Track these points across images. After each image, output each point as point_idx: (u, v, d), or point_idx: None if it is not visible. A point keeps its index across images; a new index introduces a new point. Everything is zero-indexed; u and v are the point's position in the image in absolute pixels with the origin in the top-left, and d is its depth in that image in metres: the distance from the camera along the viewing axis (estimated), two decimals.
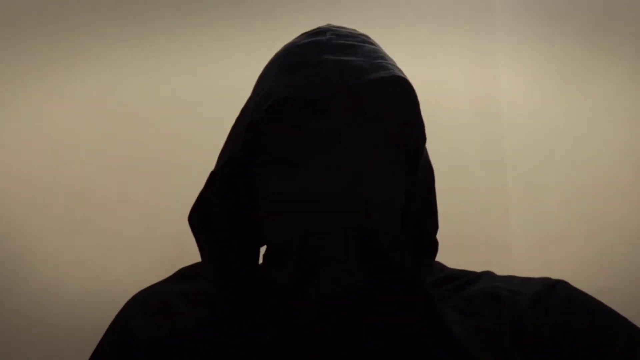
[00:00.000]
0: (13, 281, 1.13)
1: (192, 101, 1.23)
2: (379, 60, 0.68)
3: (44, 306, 1.12)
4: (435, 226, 0.72)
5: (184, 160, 1.19)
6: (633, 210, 1.31)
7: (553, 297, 0.71)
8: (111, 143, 1.20)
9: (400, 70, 0.70)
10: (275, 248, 0.71)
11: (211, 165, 0.72)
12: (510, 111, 1.41)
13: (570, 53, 1.38)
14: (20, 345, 1.10)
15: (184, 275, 0.80)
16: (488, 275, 0.78)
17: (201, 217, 0.71)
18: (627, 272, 1.27)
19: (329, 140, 0.66)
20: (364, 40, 0.72)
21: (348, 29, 0.74)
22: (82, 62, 1.21)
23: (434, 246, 0.72)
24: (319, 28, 0.74)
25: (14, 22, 1.20)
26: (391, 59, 0.71)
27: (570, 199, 1.34)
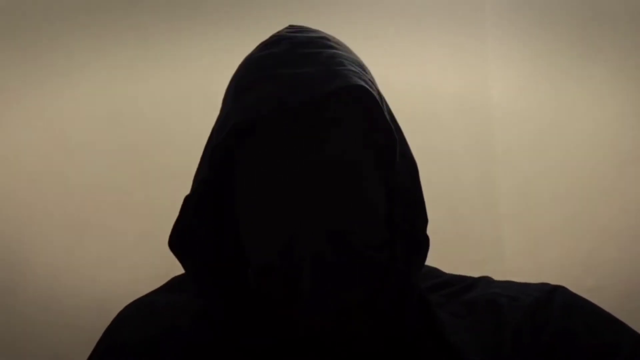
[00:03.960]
0: (14, 285, 1.13)
1: (191, 105, 1.23)
2: (336, 68, 0.65)
3: (44, 310, 1.13)
4: (424, 221, 0.70)
5: (182, 163, 1.19)
6: (619, 207, 1.32)
7: (553, 303, 0.70)
8: (109, 149, 1.20)
9: (359, 74, 0.66)
10: (259, 266, 0.69)
11: None
12: (501, 111, 1.41)
13: (559, 53, 1.39)
14: (21, 347, 1.11)
15: (176, 284, 0.79)
16: (486, 280, 0.77)
17: (182, 240, 0.70)
18: (615, 272, 1.28)
19: (297, 153, 0.64)
20: (322, 44, 0.68)
21: (307, 32, 0.71)
22: (80, 66, 1.21)
23: (424, 242, 0.70)
24: (276, 35, 0.71)
25: (13, 27, 1.19)
26: (352, 62, 0.68)
27: (560, 197, 1.35)
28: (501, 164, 1.39)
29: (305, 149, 0.64)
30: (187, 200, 0.70)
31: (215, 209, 0.71)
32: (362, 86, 0.65)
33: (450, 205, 1.30)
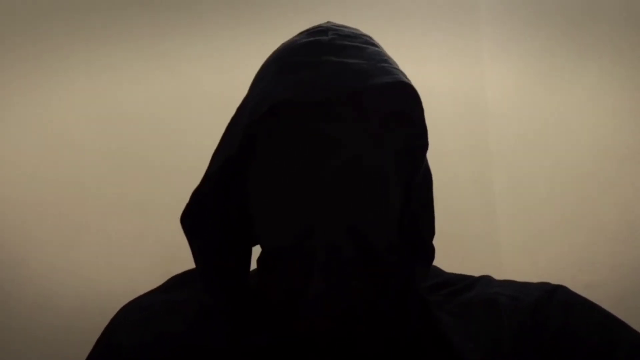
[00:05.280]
0: (9, 285, 1.13)
1: (186, 105, 1.23)
2: (383, 64, 0.66)
3: (40, 310, 1.13)
4: (431, 232, 0.71)
5: (178, 163, 1.19)
6: (615, 204, 1.33)
7: (553, 302, 0.70)
8: (104, 148, 1.20)
9: (404, 74, 0.67)
10: (270, 252, 0.69)
11: (205, 168, 0.71)
12: (495, 109, 1.42)
13: (553, 50, 1.40)
14: (17, 348, 1.10)
15: (174, 283, 0.79)
16: (485, 280, 0.77)
17: (194, 219, 0.70)
18: (611, 269, 1.29)
19: (329, 143, 0.64)
20: (367, 41, 0.69)
21: (350, 28, 0.71)
22: (81, 67, 1.21)
23: (430, 251, 0.71)
24: (319, 26, 0.70)
25: (8, 26, 1.19)
26: (394, 62, 0.69)
27: (555, 195, 1.35)
28: (496, 161, 1.40)
29: (337, 140, 0.64)
30: (208, 177, 0.69)
31: (226, 191, 0.71)
32: (410, 85, 0.66)
33: (445, 204, 1.29)
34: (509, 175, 1.39)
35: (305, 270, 0.64)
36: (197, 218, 0.70)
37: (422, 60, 1.37)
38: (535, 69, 1.41)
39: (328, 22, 0.72)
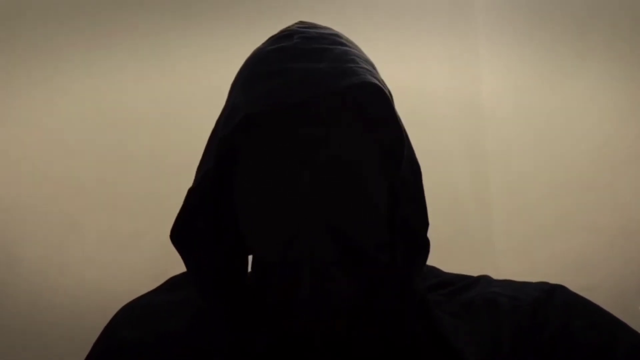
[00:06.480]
0: (3, 283, 1.13)
1: (185, 103, 1.24)
2: (349, 65, 0.65)
3: (35, 310, 1.12)
4: (425, 224, 0.70)
5: (176, 162, 1.19)
6: (611, 207, 1.33)
7: (552, 302, 0.70)
8: (102, 146, 1.20)
9: (371, 73, 0.67)
10: (260, 260, 0.70)
11: None
12: (492, 109, 1.42)
13: (551, 51, 1.40)
14: (10, 346, 1.10)
15: (173, 284, 0.79)
16: (485, 279, 0.77)
17: (183, 234, 0.69)
18: (606, 270, 1.29)
19: (304, 148, 0.64)
20: (334, 41, 0.68)
21: (318, 28, 0.71)
22: (74, 66, 1.21)
23: (425, 245, 0.70)
24: (287, 30, 0.70)
25: (10, 26, 1.19)
26: (363, 60, 0.68)
27: (551, 196, 1.36)
28: (493, 163, 1.40)
29: (310, 146, 0.64)
30: (191, 192, 0.69)
31: (216, 203, 0.71)
32: (375, 84, 0.65)
33: (441, 204, 1.29)
34: (506, 177, 1.40)
35: (293, 278, 0.64)
36: (187, 232, 0.70)
37: (417, 61, 1.38)
38: (532, 69, 1.41)
39: (299, 22, 0.72)
